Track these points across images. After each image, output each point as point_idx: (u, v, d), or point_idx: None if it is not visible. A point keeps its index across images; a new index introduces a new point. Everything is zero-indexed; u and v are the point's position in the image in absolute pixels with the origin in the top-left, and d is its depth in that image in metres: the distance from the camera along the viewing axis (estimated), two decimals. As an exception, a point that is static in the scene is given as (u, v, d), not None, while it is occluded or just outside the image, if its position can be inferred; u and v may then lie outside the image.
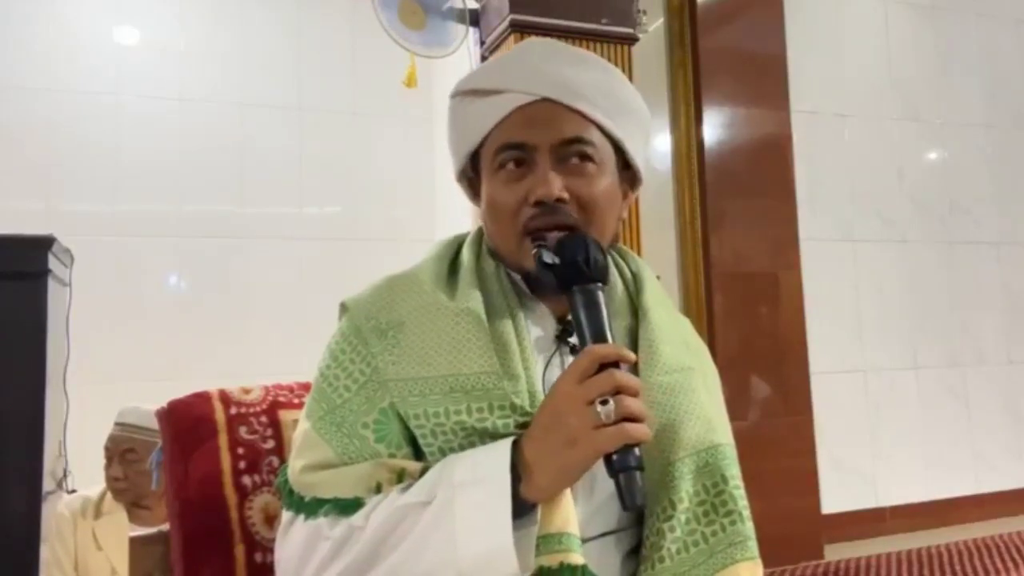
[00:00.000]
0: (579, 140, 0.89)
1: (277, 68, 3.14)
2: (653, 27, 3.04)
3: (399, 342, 0.84)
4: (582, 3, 2.44)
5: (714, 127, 3.13)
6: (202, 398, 1.02)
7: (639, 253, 2.45)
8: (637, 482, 0.72)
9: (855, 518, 3.25)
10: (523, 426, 0.79)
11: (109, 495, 2.20)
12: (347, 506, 0.78)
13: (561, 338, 0.91)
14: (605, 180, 0.90)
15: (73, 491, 2.15)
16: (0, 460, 1.62)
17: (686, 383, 0.89)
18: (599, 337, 0.77)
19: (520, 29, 2.38)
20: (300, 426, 0.87)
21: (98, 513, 2.15)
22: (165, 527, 1.00)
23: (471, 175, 0.97)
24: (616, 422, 0.71)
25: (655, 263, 3.41)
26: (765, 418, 3.03)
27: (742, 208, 3.11)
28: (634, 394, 0.73)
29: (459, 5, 2.61)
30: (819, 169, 3.40)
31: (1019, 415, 3.68)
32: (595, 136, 0.90)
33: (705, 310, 3.06)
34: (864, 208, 3.51)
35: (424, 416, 0.80)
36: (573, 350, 0.89)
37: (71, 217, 2.72)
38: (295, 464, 0.84)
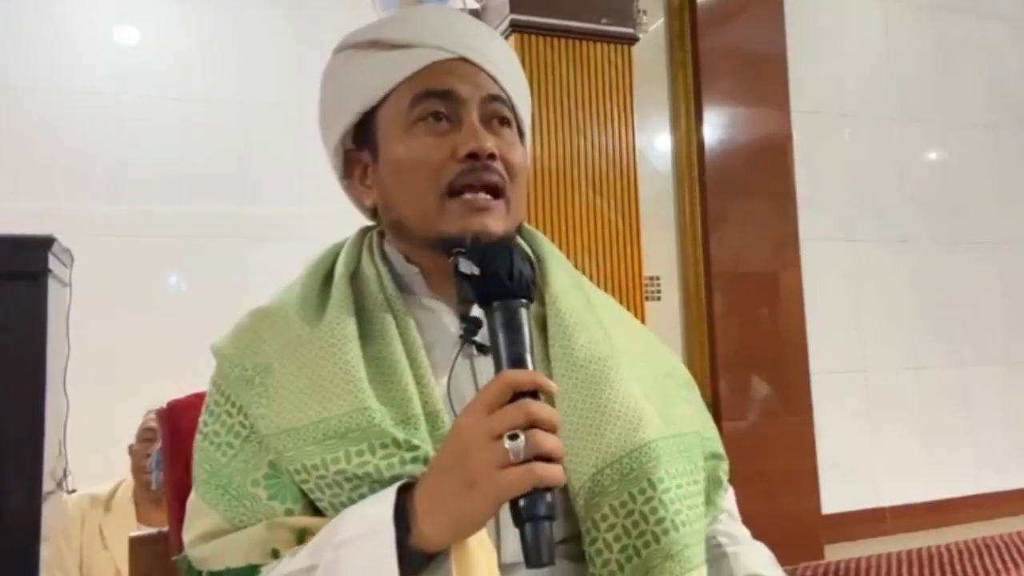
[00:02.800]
0: (501, 99, 0.83)
1: (277, 68, 3.13)
2: (653, 27, 3.03)
3: (267, 389, 0.74)
4: (582, 3, 2.44)
5: (714, 127, 3.13)
6: (202, 398, 1.02)
7: (639, 253, 2.45)
8: (546, 534, 0.60)
9: (855, 518, 3.25)
10: (414, 461, 0.69)
11: (119, 492, 2.21)
12: (241, 574, 0.71)
13: (465, 338, 0.79)
14: (522, 149, 0.84)
15: (73, 491, 2.15)
16: (0, 460, 1.62)
17: (604, 374, 0.77)
18: (517, 362, 0.66)
19: (520, 29, 2.38)
20: (191, 495, 0.79)
21: (107, 508, 2.16)
22: (166, 528, 1.00)
23: (349, 146, 0.86)
24: (525, 461, 0.59)
25: (655, 263, 3.38)
26: (765, 418, 3.03)
27: (742, 208, 3.11)
28: (550, 429, 0.61)
29: (459, 5, 2.61)
30: (819, 169, 3.39)
31: (1019, 415, 3.68)
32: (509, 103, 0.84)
33: (705, 310, 3.06)
34: (864, 208, 3.51)
35: (304, 470, 0.70)
36: (481, 349, 0.79)
37: (71, 217, 2.72)
38: (185, 537, 0.77)
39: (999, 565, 2.80)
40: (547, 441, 0.61)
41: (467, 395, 0.77)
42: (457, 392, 0.77)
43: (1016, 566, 2.79)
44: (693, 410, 0.86)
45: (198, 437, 0.78)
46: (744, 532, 0.89)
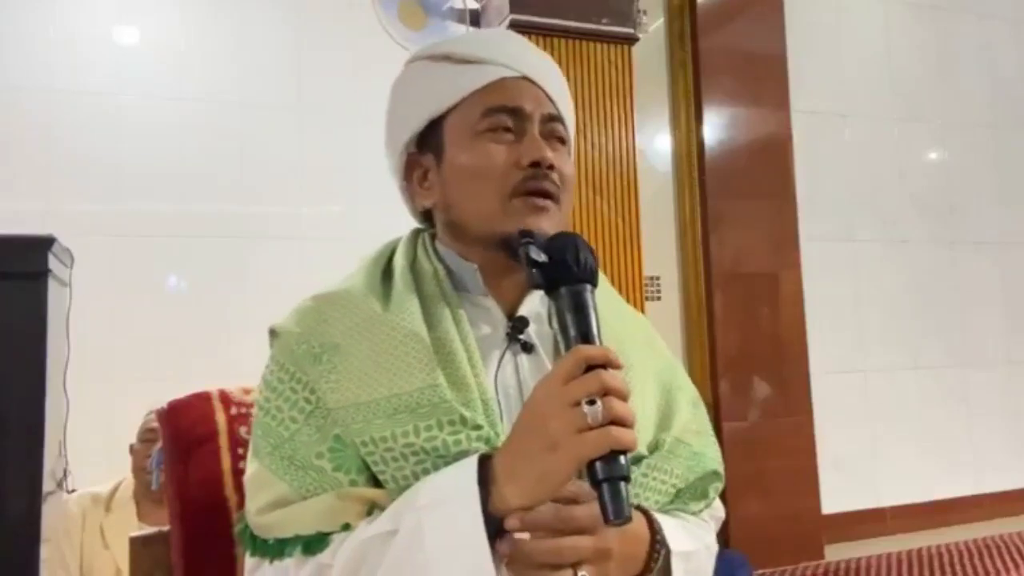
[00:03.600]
0: (558, 119, 0.90)
1: (277, 68, 3.13)
2: (653, 27, 3.04)
3: (335, 366, 0.79)
4: (582, 3, 2.44)
5: (714, 127, 3.13)
6: (202, 398, 1.02)
7: (639, 253, 2.45)
8: (623, 493, 0.65)
9: (855, 518, 3.25)
10: (478, 439, 0.74)
11: (120, 491, 2.21)
12: (311, 543, 0.74)
13: (512, 336, 0.86)
14: (572, 164, 0.92)
15: (73, 491, 2.15)
16: (0, 460, 1.62)
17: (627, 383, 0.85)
18: (586, 339, 0.71)
19: (520, 29, 2.38)
20: (249, 468, 0.82)
21: (108, 508, 2.16)
22: (166, 527, 1.00)
23: (412, 150, 0.93)
24: (602, 425, 0.65)
25: (655, 263, 3.39)
26: (765, 418, 3.03)
27: (742, 208, 3.11)
28: (623, 397, 0.67)
29: (459, 5, 2.61)
30: (819, 169, 3.39)
31: (1019, 415, 3.68)
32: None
33: (705, 310, 3.06)
34: (864, 208, 3.51)
35: (372, 443, 0.75)
36: (525, 348, 0.86)
37: (71, 217, 2.72)
38: (250, 507, 0.79)
39: (999, 565, 2.81)
40: (621, 408, 0.66)
41: (511, 389, 0.84)
42: (503, 384, 0.83)
43: (1016, 566, 2.79)
44: (694, 426, 0.91)
45: (259, 413, 0.81)
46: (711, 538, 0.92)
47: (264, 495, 0.78)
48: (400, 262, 0.88)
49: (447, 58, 0.90)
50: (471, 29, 1.00)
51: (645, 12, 2.62)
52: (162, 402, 1.02)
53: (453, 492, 0.69)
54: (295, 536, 0.75)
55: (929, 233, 3.63)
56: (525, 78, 0.88)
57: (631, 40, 2.51)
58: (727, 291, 3.06)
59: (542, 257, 0.75)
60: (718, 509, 0.94)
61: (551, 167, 0.85)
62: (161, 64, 2.97)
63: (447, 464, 0.73)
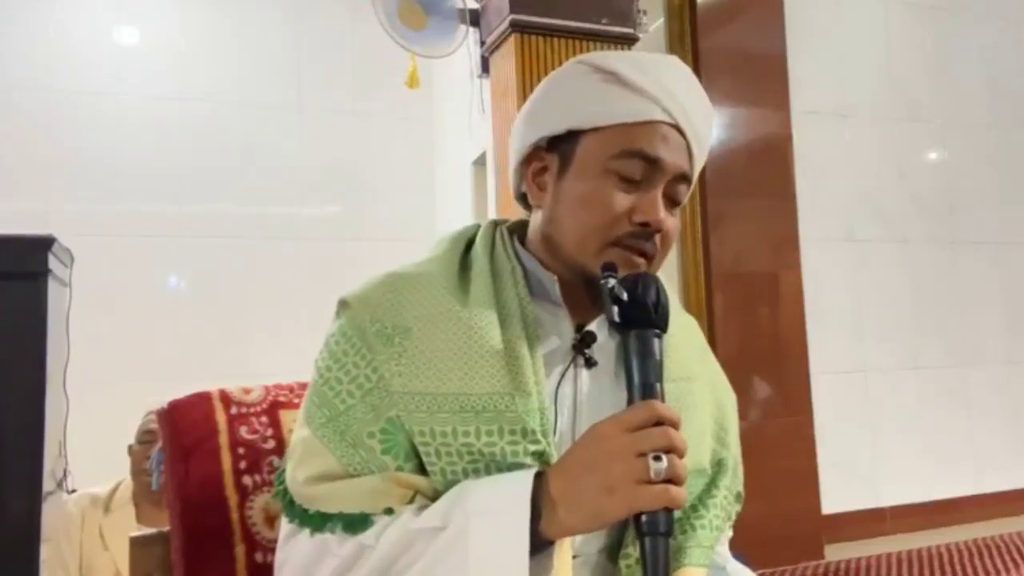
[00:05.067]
0: (687, 179, 0.88)
1: (277, 68, 3.13)
2: (653, 27, 3.03)
3: (406, 350, 0.79)
4: (582, 3, 2.44)
5: (714, 127, 3.13)
6: (202, 398, 1.02)
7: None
8: (664, 549, 0.69)
9: (855, 518, 3.25)
10: (534, 455, 0.75)
11: (119, 492, 2.21)
12: (353, 522, 0.75)
13: (578, 348, 0.86)
14: (679, 223, 0.89)
15: (73, 491, 2.15)
16: (0, 460, 1.62)
17: (689, 395, 0.87)
18: (647, 386, 0.74)
19: (520, 29, 2.38)
20: (298, 432, 0.83)
21: (107, 509, 2.15)
22: (166, 527, 1.00)
23: (542, 144, 0.89)
24: (663, 481, 0.68)
25: (655, 263, 3.35)
26: (765, 418, 3.03)
27: (742, 208, 3.11)
28: (681, 456, 0.70)
29: (459, 5, 2.61)
30: (819, 169, 3.39)
31: (1019, 415, 3.68)
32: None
33: (705, 310, 3.06)
34: (864, 208, 3.51)
35: (430, 434, 0.76)
36: (589, 363, 0.85)
37: (71, 217, 2.72)
38: (296, 474, 0.80)
39: (999, 565, 2.81)
40: (682, 468, 0.69)
41: (567, 400, 0.84)
42: (561, 396, 0.83)
43: (1016, 566, 2.79)
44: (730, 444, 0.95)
45: (317, 380, 0.82)
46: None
47: (312, 465, 0.79)
48: (480, 255, 0.87)
49: (614, 76, 0.85)
50: (645, 54, 0.93)
51: (645, 12, 2.62)
52: (162, 402, 1.01)
53: (506, 504, 0.70)
54: (339, 513, 0.76)
55: (929, 233, 3.63)
56: (677, 127, 0.85)
57: (631, 40, 2.51)
58: (727, 291, 3.06)
59: (623, 295, 0.76)
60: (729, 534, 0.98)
61: (659, 231, 0.84)
62: (161, 64, 2.97)
63: (499, 470, 0.75)
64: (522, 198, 0.94)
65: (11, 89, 2.77)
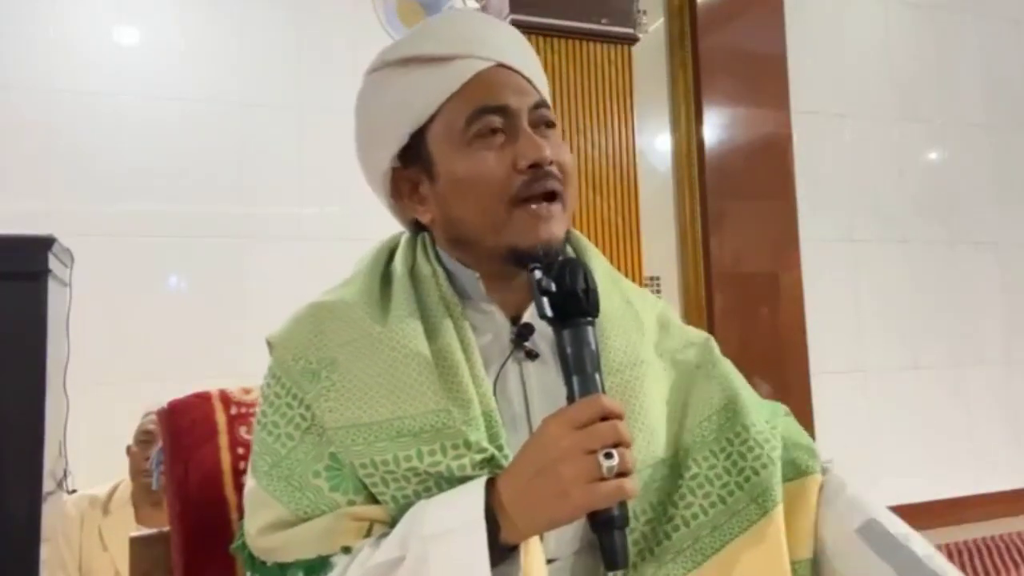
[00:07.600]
0: (545, 104, 0.85)
1: (277, 68, 3.13)
2: (653, 27, 3.04)
3: (334, 384, 0.76)
4: (582, 3, 2.44)
5: (714, 127, 3.13)
6: (202, 398, 1.02)
7: (639, 253, 2.45)
8: (623, 540, 0.69)
9: (855, 518, 3.24)
10: (482, 463, 0.73)
11: (118, 493, 2.21)
12: (313, 567, 0.73)
13: (516, 342, 0.84)
14: (567, 146, 0.87)
15: (73, 491, 2.15)
16: (0, 460, 1.62)
17: (635, 383, 0.83)
18: (587, 383, 0.72)
19: (520, 29, 2.38)
20: (248, 482, 0.80)
21: (106, 510, 2.16)
22: (166, 528, 1.00)
23: (396, 164, 0.86)
24: (615, 477, 0.66)
25: (655, 263, 3.37)
26: (765, 418, 3.03)
27: (742, 208, 3.11)
28: (628, 448, 0.68)
29: (459, 5, 2.61)
30: (819, 169, 3.39)
31: (1019, 415, 3.68)
32: None
33: (705, 310, 3.06)
34: (864, 208, 3.51)
35: (372, 464, 0.73)
36: (530, 355, 0.84)
37: (71, 217, 2.72)
38: (249, 527, 0.78)
39: (999, 565, 2.81)
40: (631, 460, 0.68)
41: (514, 396, 0.82)
42: (504, 393, 0.81)
43: (1016, 566, 2.79)
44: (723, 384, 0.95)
45: (256, 428, 0.80)
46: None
47: (262, 516, 0.77)
48: (399, 268, 0.85)
49: (410, 61, 0.83)
50: (428, 18, 0.91)
51: (645, 12, 2.62)
52: (162, 402, 1.02)
53: (460, 522, 0.68)
54: (296, 561, 0.74)
55: (929, 233, 3.63)
56: (500, 65, 0.83)
57: (631, 40, 2.51)
58: (727, 291, 3.06)
59: (551, 287, 0.74)
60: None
61: (551, 163, 0.81)
62: (161, 64, 2.97)
63: (451, 486, 0.73)
64: (414, 224, 0.91)
65: (10, 89, 2.77)
